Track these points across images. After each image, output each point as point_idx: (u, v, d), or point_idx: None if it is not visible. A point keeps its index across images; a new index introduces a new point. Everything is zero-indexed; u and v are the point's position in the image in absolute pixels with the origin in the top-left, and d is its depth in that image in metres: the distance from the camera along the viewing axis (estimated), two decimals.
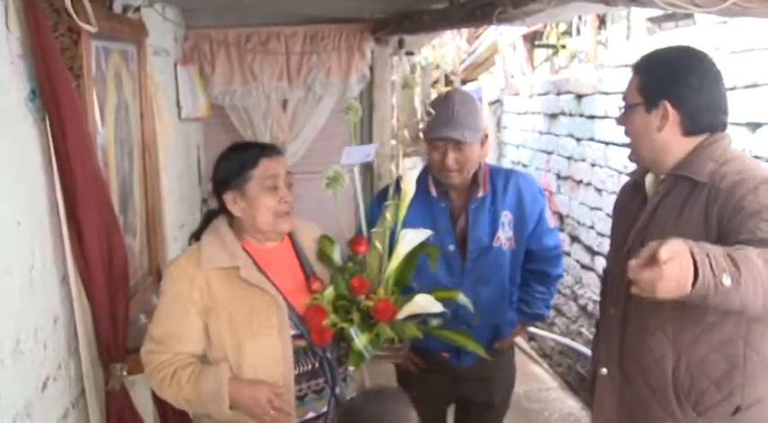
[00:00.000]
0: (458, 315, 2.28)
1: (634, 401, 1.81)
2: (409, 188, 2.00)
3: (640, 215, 1.81)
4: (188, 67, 3.97)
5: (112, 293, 2.05)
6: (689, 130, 1.72)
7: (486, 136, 2.41)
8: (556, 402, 4.27)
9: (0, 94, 1.60)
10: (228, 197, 1.89)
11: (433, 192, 2.43)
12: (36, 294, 1.75)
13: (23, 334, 1.67)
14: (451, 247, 2.40)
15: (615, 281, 1.87)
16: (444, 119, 2.30)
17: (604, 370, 1.88)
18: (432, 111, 2.33)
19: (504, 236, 2.42)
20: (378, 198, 2.50)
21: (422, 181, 2.35)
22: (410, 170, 2.00)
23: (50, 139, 1.79)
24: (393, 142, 6.77)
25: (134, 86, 2.69)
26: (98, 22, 2.03)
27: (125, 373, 2.06)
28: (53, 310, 1.86)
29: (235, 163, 1.89)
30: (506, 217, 2.42)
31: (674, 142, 1.73)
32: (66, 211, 1.86)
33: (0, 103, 1.59)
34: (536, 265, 2.56)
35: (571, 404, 4.26)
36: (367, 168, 4.61)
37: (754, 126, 3.00)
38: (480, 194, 2.41)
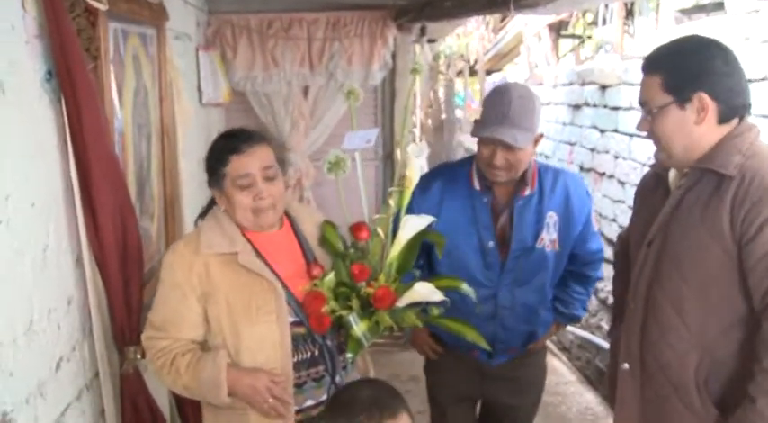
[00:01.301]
0: (496, 315, 2.29)
1: (655, 397, 1.78)
2: (413, 175, 1.92)
3: (662, 208, 1.77)
4: (210, 52, 3.96)
5: (127, 276, 2.05)
6: (725, 116, 1.67)
7: (542, 135, 2.28)
8: (574, 396, 4.23)
9: (16, 74, 1.60)
10: (214, 193, 1.88)
11: (477, 185, 2.32)
12: (50, 275, 1.75)
13: (37, 314, 1.67)
14: (491, 244, 2.30)
15: (636, 274, 1.83)
16: (498, 116, 2.15)
17: (626, 365, 1.85)
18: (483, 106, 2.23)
19: (548, 237, 2.32)
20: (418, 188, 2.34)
21: (465, 172, 2.34)
22: (416, 157, 1.91)
23: (66, 119, 1.79)
24: (416, 130, 6.75)
25: (153, 70, 2.68)
26: (116, 4, 2.03)
27: (139, 356, 2.06)
28: (67, 290, 1.86)
29: (210, 159, 1.86)
30: (552, 218, 2.32)
31: (709, 132, 1.68)
32: (80, 193, 1.86)
33: (16, 83, 1.59)
34: (577, 267, 2.47)
35: (589, 398, 4.22)
36: (388, 156, 4.59)
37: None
38: (527, 193, 2.30)
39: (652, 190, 1.91)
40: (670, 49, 1.73)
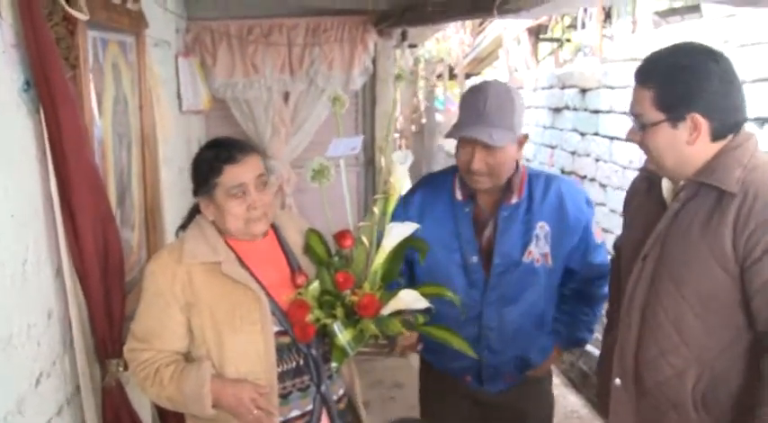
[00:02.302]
0: (481, 337, 2.12)
1: (652, 412, 1.73)
2: (398, 183, 1.87)
3: (657, 219, 1.69)
4: (189, 58, 3.93)
5: (108, 287, 2.02)
6: (719, 134, 1.59)
7: (526, 136, 2.11)
8: (558, 399, 4.20)
9: None
10: (201, 202, 1.85)
11: (459, 195, 2.14)
12: (29, 288, 1.72)
13: (16, 328, 1.64)
14: (474, 259, 2.10)
15: (630, 288, 1.74)
16: (473, 115, 1.99)
17: (618, 381, 1.78)
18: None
19: (538, 251, 2.09)
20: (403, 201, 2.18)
21: (448, 182, 2.18)
22: (401, 164, 1.85)
23: (45, 129, 1.76)
24: (397, 135, 6.74)
25: (133, 78, 2.65)
26: (95, 12, 2.01)
27: (121, 369, 2.03)
28: (47, 304, 1.83)
29: (201, 169, 1.83)
30: (542, 229, 2.10)
31: (702, 150, 1.60)
32: (60, 204, 1.83)
33: None
34: (579, 285, 2.24)
35: (573, 400, 4.23)
36: (369, 162, 4.58)
37: (762, 121, 2.96)
38: (514, 201, 2.10)
39: (646, 198, 1.84)
40: (666, 60, 1.62)
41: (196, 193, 1.85)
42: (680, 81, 1.57)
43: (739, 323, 1.57)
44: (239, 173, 1.78)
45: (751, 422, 1.50)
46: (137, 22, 2.65)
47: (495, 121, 1.97)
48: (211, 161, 1.80)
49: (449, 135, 2.07)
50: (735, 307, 1.56)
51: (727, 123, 1.59)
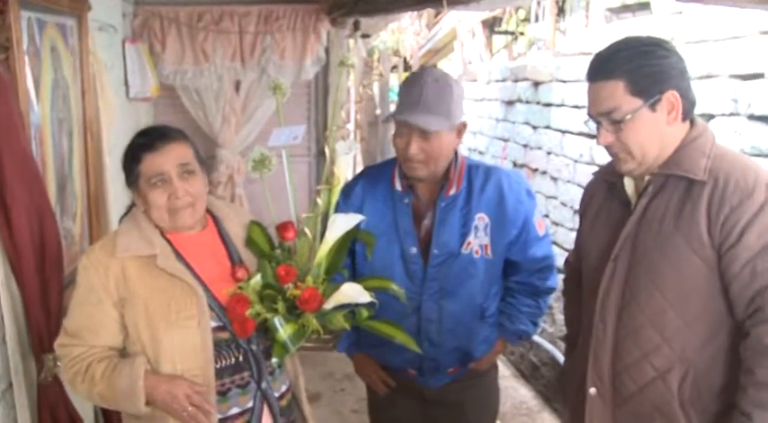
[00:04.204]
0: (420, 330, 2.10)
1: (633, 419, 1.69)
2: (342, 173, 1.85)
3: (626, 219, 1.68)
4: (137, 44, 3.83)
5: (45, 278, 1.95)
6: (687, 113, 1.61)
7: (465, 125, 2.08)
8: (508, 391, 4.27)
9: None
10: (133, 193, 1.80)
11: (398, 185, 2.12)
12: None
13: None
14: (413, 250, 2.08)
15: (603, 292, 1.71)
16: (411, 101, 1.98)
17: (593, 390, 1.73)
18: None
19: (477, 242, 2.08)
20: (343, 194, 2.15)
21: (388, 172, 2.17)
22: (345, 155, 1.82)
23: None
24: (350, 126, 6.71)
25: (74, 63, 2.56)
26: None
27: (59, 364, 1.95)
28: None
29: (125, 158, 1.78)
30: (482, 220, 2.08)
31: (676, 132, 1.62)
32: None
33: None
34: (522, 278, 2.22)
35: (523, 393, 4.27)
36: (321, 153, 4.54)
37: (708, 117, 3.01)
38: (452, 192, 2.08)
39: (604, 198, 1.82)
40: (625, 50, 1.61)
41: (128, 184, 1.80)
42: (648, 63, 1.58)
43: (718, 314, 1.57)
44: (159, 161, 1.73)
45: (736, 413, 1.50)
46: (78, 4, 2.55)
47: (432, 108, 1.96)
48: (133, 150, 1.75)
49: (386, 119, 2.09)
50: (714, 296, 1.56)
51: (691, 101, 1.62)
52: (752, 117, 2.84)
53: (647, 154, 1.62)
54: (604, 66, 1.62)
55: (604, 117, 1.62)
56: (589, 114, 1.68)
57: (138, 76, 3.78)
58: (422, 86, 1.98)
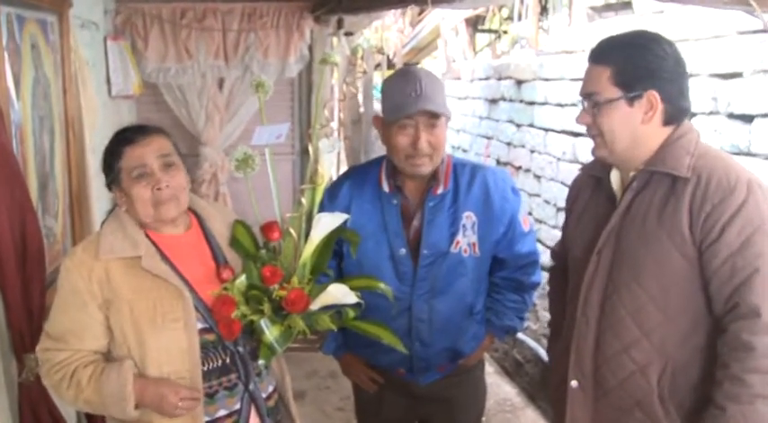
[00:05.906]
0: (411, 330, 2.11)
1: (613, 413, 1.71)
2: (326, 171, 1.83)
3: (611, 214, 1.70)
4: (119, 42, 3.80)
5: (27, 277, 1.93)
6: (670, 119, 1.63)
7: (448, 119, 2.08)
8: (492, 388, 4.28)
9: None
10: (115, 193, 1.78)
11: (385, 186, 2.11)
12: None
13: None
14: (402, 251, 2.08)
15: (586, 285, 1.74)
16: (412, 95, 1.96)
17: (575, 383, 1.76)
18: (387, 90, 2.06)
19: (466, 241, 2.09)
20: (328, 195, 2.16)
21: (374, 173, 2.15)
22: (328, 153, 1.82)
23: None
24: (334, 125, 6.69)
25: (55, 60, 2.54)
26: None
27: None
28: None
29: (105, 157, 1.77)
30: (469, 219, 2.09)
31: (653, 134, 1.64)
32: None
33: None
34: (508, 273, 2.23)
35: (507, 389, 4.29)
36: (305, 151, 4.52)
37: (691, 115, 3.04)
38: (440, 191, 2.08)
39: (590, 193, 1.84)
40: (622, 41, 1.66)
41: (109, 185, 1.78)
42: (638, 59, 1.61)
43: (698, 309, 1.60)
44: (140, 153, 1.72)
45: (711, 406, 1.52)
46: (59, 1, 2.53)
47: (433, 98, 1.98)
48: (113, 146, 1.75)
49: (391, 120, 2.02)
50: (694, 292, 1.59)
51: (677, 107, 1.64)
52: (731, 116, 2.87)
53: (616, 143, 1.66)
54: (601, 50, 1.67)
55: (587, 98, 1.68)
56: (579, 93, 1.72)
57: (121, 73, 3.75)
58: (417, 81, 1.98)
